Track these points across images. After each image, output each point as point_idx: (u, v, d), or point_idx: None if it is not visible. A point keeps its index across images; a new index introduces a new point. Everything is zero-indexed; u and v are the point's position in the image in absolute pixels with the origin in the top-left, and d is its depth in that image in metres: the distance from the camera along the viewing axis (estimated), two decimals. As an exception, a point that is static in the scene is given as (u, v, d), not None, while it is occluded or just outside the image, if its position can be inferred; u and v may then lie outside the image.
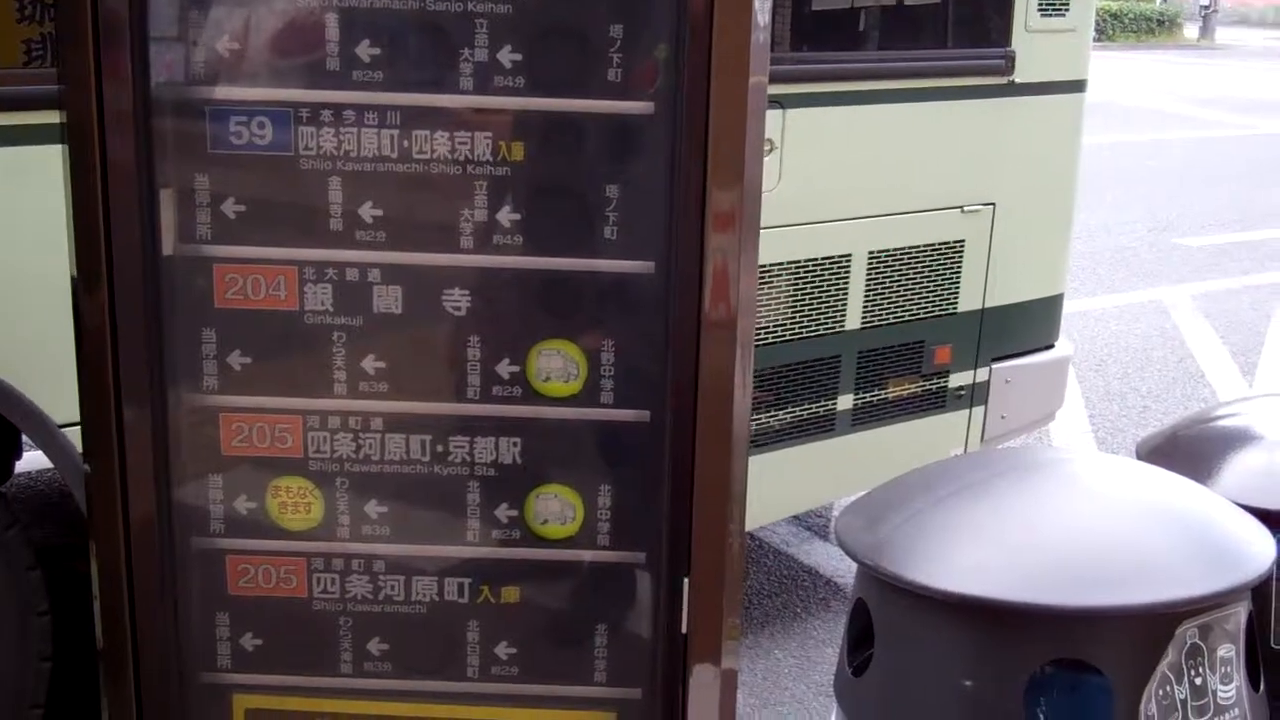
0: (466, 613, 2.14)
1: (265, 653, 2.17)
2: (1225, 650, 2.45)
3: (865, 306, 4.43)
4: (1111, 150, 16.16)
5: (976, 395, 4.84)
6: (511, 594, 2.14)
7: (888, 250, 4.44)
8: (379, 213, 2.01)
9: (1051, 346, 5.10)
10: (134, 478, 2.04)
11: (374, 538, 2.12)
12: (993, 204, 4.65)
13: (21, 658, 3.18)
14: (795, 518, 5.55)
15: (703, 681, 2.07)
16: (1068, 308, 8.80)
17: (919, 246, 4.51)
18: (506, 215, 2.00)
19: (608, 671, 2.16)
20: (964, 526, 2.60)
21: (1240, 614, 2.48)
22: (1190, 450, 3.18)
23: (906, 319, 4.56)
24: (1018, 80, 4.58)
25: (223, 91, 1.98)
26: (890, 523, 2.63)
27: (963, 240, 4.62)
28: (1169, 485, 2.72)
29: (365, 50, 1.96)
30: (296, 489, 2.11)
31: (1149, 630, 2.38)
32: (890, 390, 4.61)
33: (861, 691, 2.62)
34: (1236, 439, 3.22)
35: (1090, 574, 2.42)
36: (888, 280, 4.47)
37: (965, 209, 4.59)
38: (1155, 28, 38.87)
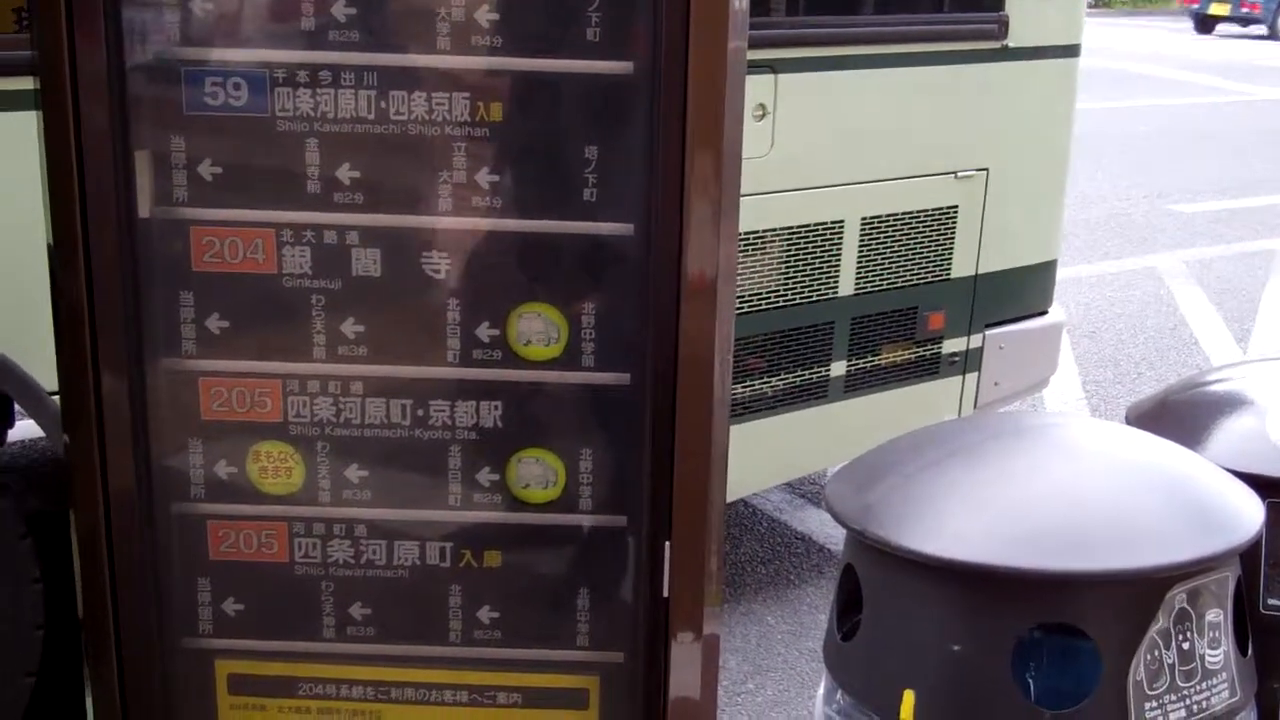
0: (448, 577, 2.14)
1: (247, 618, 2.16)
2: (1213, 615, 2.44)
3: (858, 273, 4.41)
4: (1107, 116, 16.12)
5: (970, 361, 4.82)
6: (493, 558, 2.14)
7: (881, 216, 4.41)
8: (356, 174, 1.99)
9: (1045, 313, 5.07)
10: (113, 443, 2.04)
11: (355, 502, 2.11)
12: (986, 169, 4.63)
13: (13, 626, 3.17)
14: (788, 484, 5.55)
15: (685, 645, 2.06)
16: (1062, 274, 8.82)
17: (912, 212, 4.49)
18: (485, 177, 1.98)
19: (590, 635, 2.15)
20: (952, 491, 2.59)
21: (1229, 579, 2.47)
22: (1180, 415, 3.17)
23: (900, 285, 4.53)
24: (1011, 45, 4.54)
25: (198, 53, 1.96)
26: (879, 488, 2.63)
27: (956, 206, 4.59)
28: (1158, 450, 2.71)
29: (341, 10, 1.94)
30: (277, 454, 2.10)
31: (1137, 595, 2.37)
32: (883, 357, 4.58)
33: (850, 656, 2.62)
34: (1227, 404, 3.20)
35: (1078, 538, 2.41)
36: (881, 246, 4.44)
37: (959, 174, 4.57)
38: (1153, -7, 38.73)
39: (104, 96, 1.91)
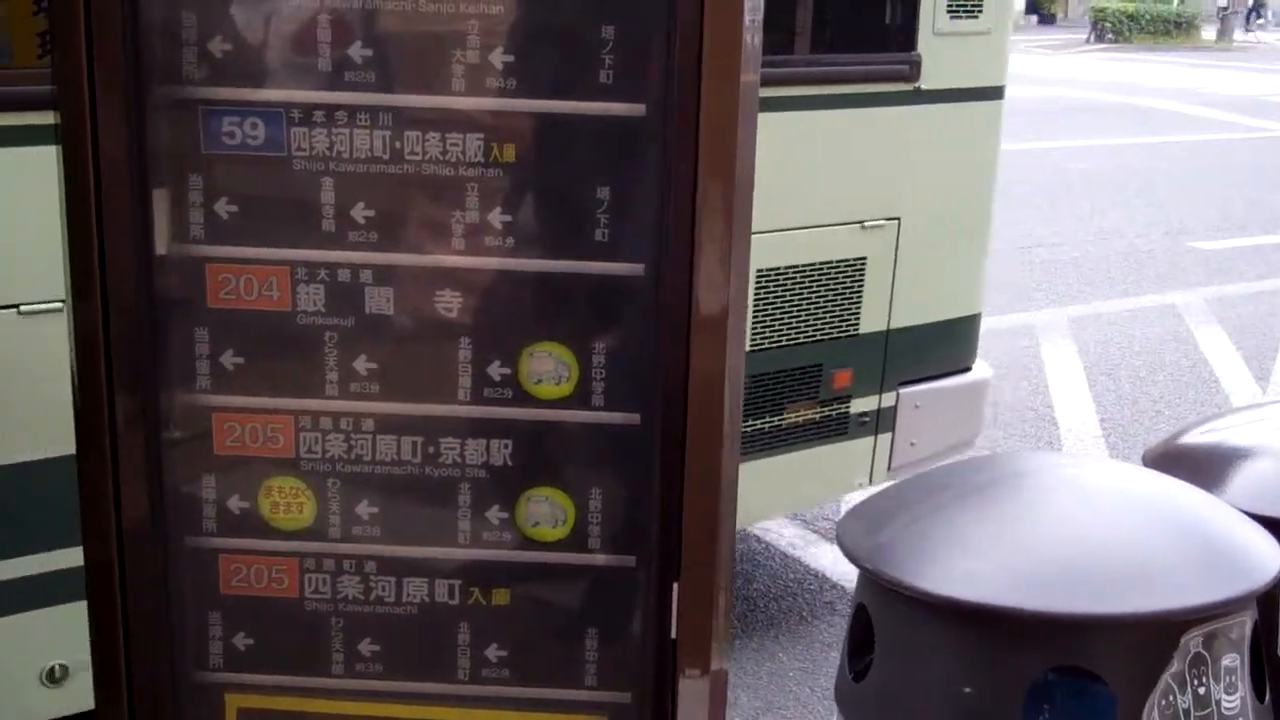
0: (457, 614, 2.14)
1: (257, 652, 2.17)
2: (1230, 659, 2.43)
3: (755, 328, 4.22)
4: (1126, 152, 16.13)
5: (882, 421, 4.60)
6: (502, 596, 2.14)
7: (780, 268, 4.21)
8: (371, 214, 2.00)
9: (968, 370, 4.85)
10: (126, 477, 2.04)
11: (365, 538, 2.12)
12: (898, 219, 4.42)
13: None
14: (802, 520, 5.55)
15: (692, 686, 2.06)
16: (1081, 310, 8.86)
17: (815, 264, 4.27)
18: (498, 217, 1.99)
19: (598, 675, 2.15)
20: (966, 532, 2.59)
21: (1246, 623, 2.46)
22: (1198, 457, 3.16)
23: (802, 341, 4.33)
24: (924, 87, 4.33)
25: (216, 92, 1.97)
26: (891, 527, 2.62)
27: (864, 258, 4.38)
28: (1174, 492, 2.70)
29: (358, 51, 1.95)
30: (289, 489, 2.11)
31: (1151, 639, 2.37)
32: (785, 416, 4.37)
33: (862, 697, 2.61)
34: (1245, 446, 3.19)
35: (1092, 581, 2.40)
36: (781, 300, 4.24)
37: (867, 224, 4.35)
38: (1172, 29, 38.79)
39: (123, 134, 1.93)
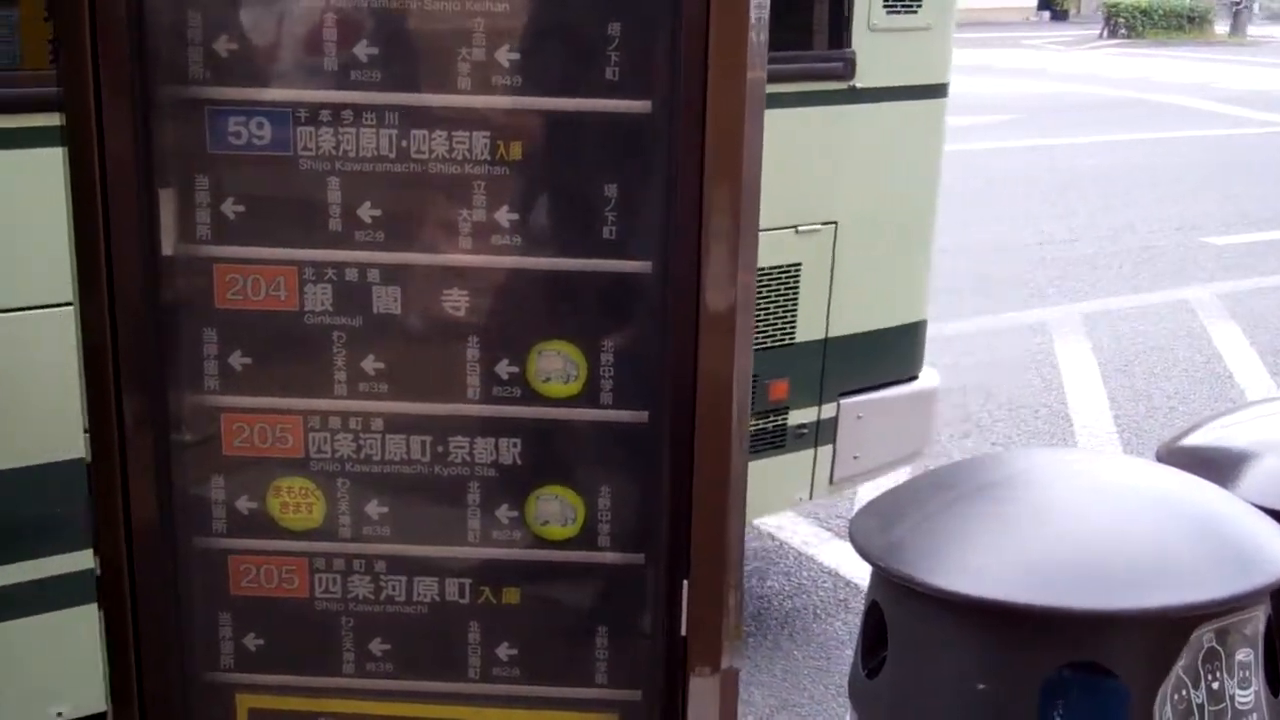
0: (467, 613, 2.14)
1: (268, 652, 2.17)
2: (1244, 654, 2.42)
3: None
4: (1138, 148, 16.09)
5: (822, 433, 4.40)
6: (512, 595, 2.14)
7: None
8: (378, 213, 2.00)
9: (914, 378, 4.65)
10: (136, 478, 2.05)
11: (375, 538, 2.12)
12: (834, 223, 4.24)
13: None
14: (816, 518, 5.54)
15: (702, 683, 2.05)
16: (1094, 306, 8.84)
17: None
18: (505, 215, 1.99)
19: (608, 673, 2.15)
20: (979, 528, 2.58)
21: (1259, 618, 2.45)
22: (1211, 452, 3.14)
23: None
24: (860, 85, 4.14)
25: (221, 91, 1.98)
26: (904, 524, 2.61)
27: (798, 264, 4.20)
28: (1187, 487, 2.69)
29: (363, 50, 1.95)
30: (298, 489, 2.11)
31: (1165, 633, 2.35)
32: None
33: (876, 694, 2.61)
34: (1259, 441, 3.18)
35: (1106, 576, 2.39)
36: None
37: (801, 229, 4.17)
38: (1185, 24, 38.67)
39: (128, 134, 1.93)
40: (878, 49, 4.15)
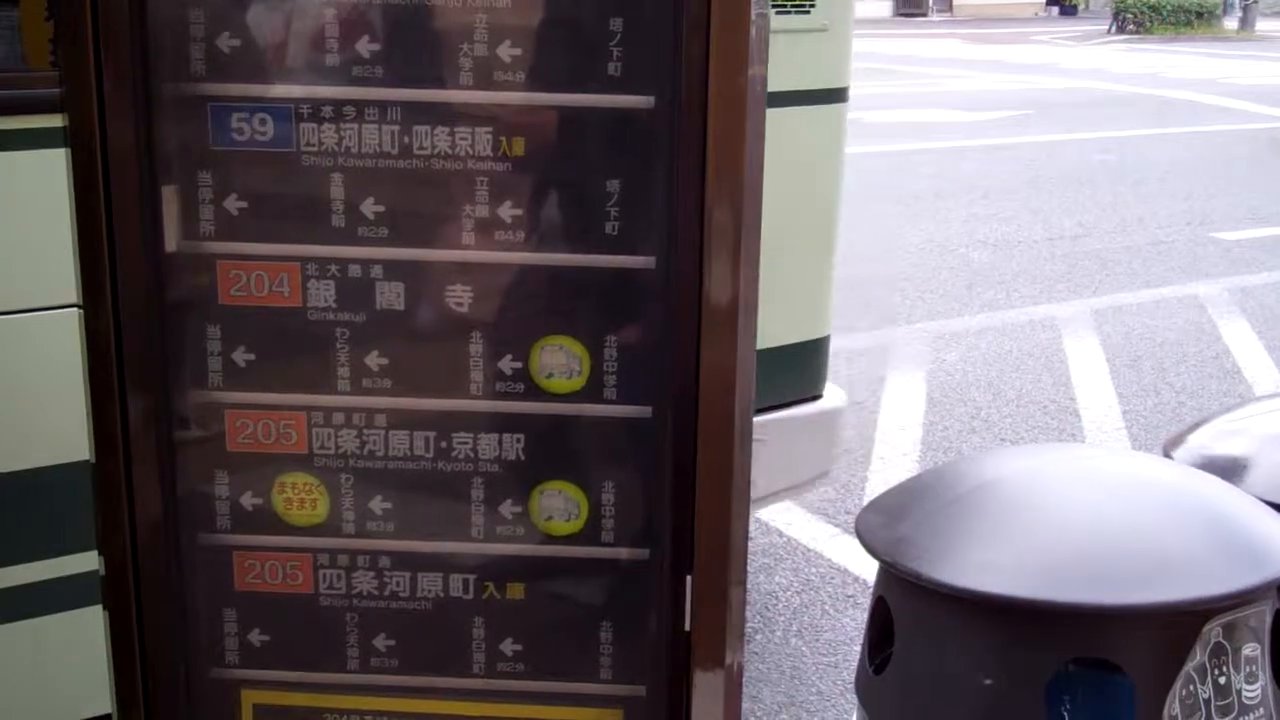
0: (472, 609, 2.14)
1: (272, 648, 2.17)
2: (1250, 649, 2.41)
3: None
4: (1147, 143, 16.07)
5: None
6: (516, 590, 2.14)
7: None
8: (381, 209, 2.00)
9: (816, 398, 4.44)
10: (140, 474, 2.05)
11: (379, 534, 2.12)
12: None
13: None
14: (824, 514, 5.53)
15: (707, 678, 2.05)
16: (1103, 301, 8.82)
17: None
18: (508, 210, 1.99)
19: (613, 668, 2.15)
20: (985, 524, 2.57)
21: (1266, 612, 2.44)
22: (1219, 447, 3.14)
23: None
24: None
25: (224, 88, 1.98)
26: (910, 520, 2.61)
27: None
28: (1194, 482, 2.68)
29: (365, 46, 1.95)
30: (302, 485, 2.11)
31: (1172, 629, 2.35)
32: None
33: (882, 690, 2.60)
34: (1266, 436, 3.17)
35: (1112, 571, 2.38)
36: None
37: None
38: (1194, 20, 38.62)
39: (130, 131, 1.93)
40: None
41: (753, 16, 1.85)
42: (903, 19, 47.11)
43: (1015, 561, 2.45)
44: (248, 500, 2.12)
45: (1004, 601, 2.34)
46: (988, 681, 2.38)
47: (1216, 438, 3.22)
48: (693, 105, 1.89)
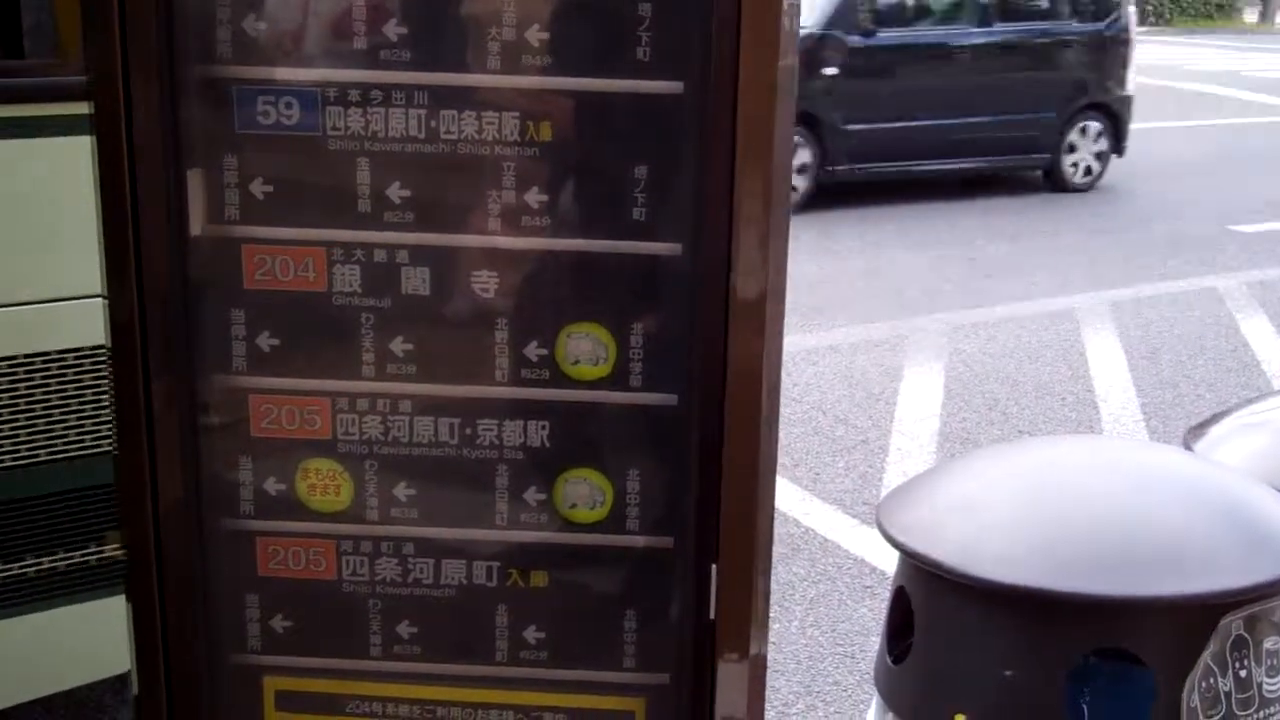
0: (495, 596, 2.13)
1: (295, 635, 2.17)
2: (1272, 642, 2.40)
3: (35, 434, 3.15)
4: (1166, 136, 16.01)
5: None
6: (540, 578, 2.13)
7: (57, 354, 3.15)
8: (407, 193, 1.99)
9: None
10: (163, 459, 2.04)
11: (403, 520, 2.11)
12: None
13: None
14: (840, 504, 5.53)
15: (730, 668, 2.04)
16: (1122, 294, 8.80)
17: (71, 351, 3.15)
18: (534, 196, 1.98)
19: (636, 657, 2.14)
20: (1006, 514, 2.56)
21: (1287, 605, 2.43)
22: (1239, 439, 3.13)
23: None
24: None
25: (250, 71, 1.97)
26: (931, 510, 2.60)
27: None
28: (1214, 473, 2.67)
29: (393, 29, 1.94)
30: (325, 471, 2.10)
31: (1192, 621, 2.34)
32: (104, 549, 3.25)
33: (901, 679, 2.59)
34: (1287, 427, 3.16)
35: (1133, 563, 2.37)
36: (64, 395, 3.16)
37: None
38: (1214, 12, 38.46)
39: (156, 115, 1.93)
40: None
41: (785, 6, 1.84)
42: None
43: (1036, 552, 2.44)
44: (271, 486, 2.11)
45: (1025, 592, 2.33)
46: (1008, 672, 2.37)
47: (1237, 430, 3.21)
48: (723, 92, 1.88)
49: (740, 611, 2.03)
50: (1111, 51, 12.83)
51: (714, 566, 2.02)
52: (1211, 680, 2.32)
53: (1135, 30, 12.95)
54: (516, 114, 1.95)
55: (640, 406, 2.05)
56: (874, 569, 4.98)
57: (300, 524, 2.12)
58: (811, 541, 5.24)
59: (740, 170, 1.89)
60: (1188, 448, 3.04)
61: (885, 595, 4.64)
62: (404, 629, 2.15)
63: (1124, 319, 8.36)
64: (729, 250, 1.92)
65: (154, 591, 2.08)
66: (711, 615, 2.03)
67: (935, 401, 6.82)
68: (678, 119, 1.95)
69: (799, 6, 1.91)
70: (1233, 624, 2.33)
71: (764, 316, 1.93)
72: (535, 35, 1.93)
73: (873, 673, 2.76)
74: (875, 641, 4.37)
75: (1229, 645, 2.33)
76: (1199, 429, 3.24)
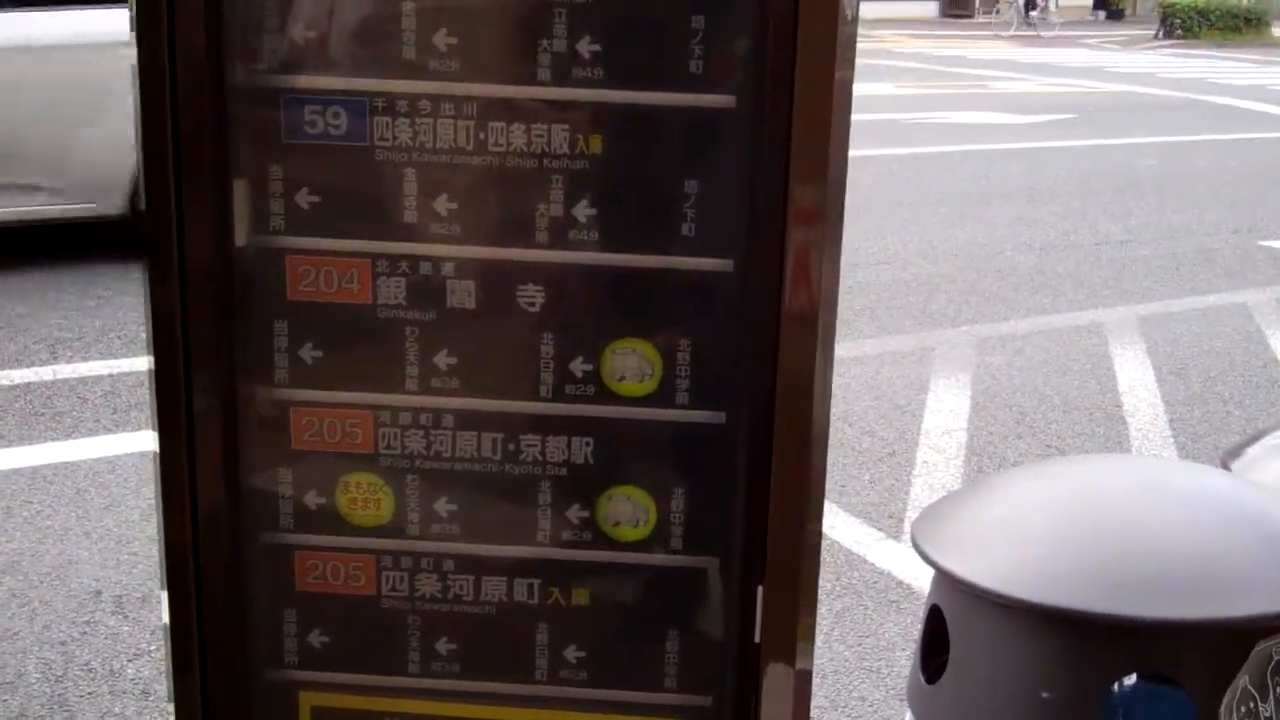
0: (536, 614, 2.11)
1: (332, 650, 2.15)
2: (1313, 667, 2.37)
3: None
4: (1195, 149, 15.96)
5: None
6: (581, 596, 2.11)
7: None
8: (454, 206, 1.97)
9: None
10: (203, 470, 2.03)
11: (443, 536, 2.10)
12: None
13: None
14: (866, 518, 5.49)
15: (775, 691, 2.02)
16: (1150, 308, 8.74)
17: None
18: (583, 210, 1.96)
19: (678, 678, 2.12)
20: (1045, 534, 2.54)
21: (1329, 630, 2.40)
22: (1277, 459, 3.09)
23: None
24: None
25: (298, 80, 1.95)
26: (967, 528, 2.58)
27: None
28: (1255, 495, 2.64)
29: (442, 39, 1.92)
30: (366, 485, 2.09)
31: (1231, 645, 2.31)
32: None
33: (935, 698, 2.57)
34: (1326, 448, 3.13)
35: (1172, 585, 2.35)
36: None
37: None
38: (1242, 26, 38.35)
39: (203, 123, 1.91)
40: None
41: (845, 16, 1.81)
42: (949, 20, 46.88)
43: (1072, 572, 2.42)
44: (311, 500, 2.09)
45: (1063, 613, 2.31)
46: (1045, 694, 2.35)
47: (1275, 450, 3.18)
48: (778, 105, 1.85)
49: (786, 634, 2.00)
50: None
51: (759, 588, 2.00)
52: (1251, 705, 2.30)
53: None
54: (566, 126, 1.93)
55: (686, 424, 2.03)
56: (900, 583, 4.95)
57: (340, 538, 2.10)
58: (837, 554, 5.21)
59: (795, 185, 1.87)
60: (1225, 467, 3.01)
61: (912, 610, 4.63)
62: (443, 646, 2.13)
63: (1152, 334, 8.31)
64: (781, 267, 1.89)
65: (192, 597, 2.07)
66: (757, 638, 2.01)
67: (962, 415, 6.78)
68: (730, 133, 1.93)
69: (858, 17, 1.88)
70: (1273, 648, 2.31)
71: (816, 335, 1.91)
72: (586, 47, 1.91)
73: (900, 689, 2.74)
74: (902, 657, 4.34)
75: (1270, 670, 2.31)
76: (1237, 449, 3.21)
